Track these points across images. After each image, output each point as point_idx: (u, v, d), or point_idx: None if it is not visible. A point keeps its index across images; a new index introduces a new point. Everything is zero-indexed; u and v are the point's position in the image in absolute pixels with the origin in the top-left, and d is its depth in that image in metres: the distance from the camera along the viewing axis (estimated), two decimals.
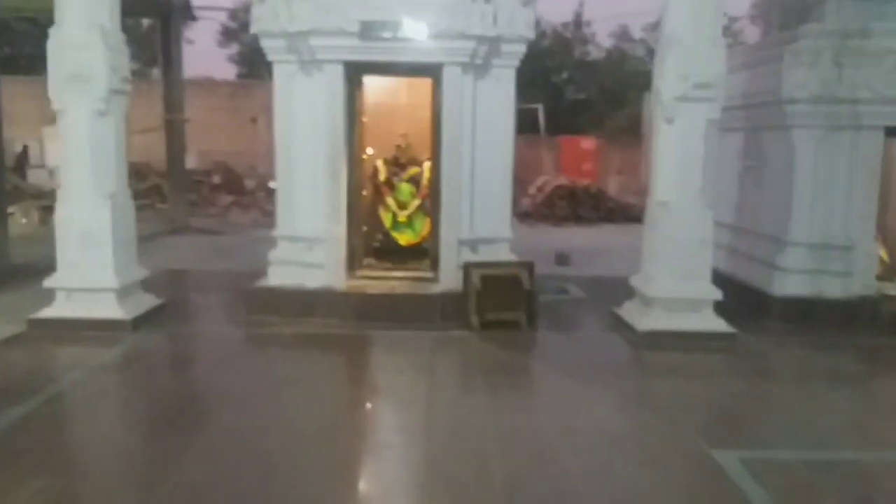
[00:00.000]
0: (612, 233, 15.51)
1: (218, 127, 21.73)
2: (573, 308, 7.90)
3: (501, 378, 5.70)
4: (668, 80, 6.28)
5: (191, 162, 19.46)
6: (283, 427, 4.54)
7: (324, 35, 6.64)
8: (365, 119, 7.49)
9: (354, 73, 7.03)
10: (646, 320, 6.48)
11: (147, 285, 7.16)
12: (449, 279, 7.01)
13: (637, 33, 25.23)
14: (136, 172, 19.47)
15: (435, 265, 7.23)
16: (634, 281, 6.89)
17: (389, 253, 8.14)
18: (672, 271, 6.46)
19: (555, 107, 23.97)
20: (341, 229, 7.02)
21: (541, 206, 18.47)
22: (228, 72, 31.18)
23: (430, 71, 6.99)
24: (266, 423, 4.59)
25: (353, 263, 7.30)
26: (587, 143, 22.94)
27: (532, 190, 19.00)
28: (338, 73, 6.84)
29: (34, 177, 18.50)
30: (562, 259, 10.59)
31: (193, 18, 16.51)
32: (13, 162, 18.84)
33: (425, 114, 7.81)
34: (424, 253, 7.89)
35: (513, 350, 6.34)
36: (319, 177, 6.96)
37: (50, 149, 18.83)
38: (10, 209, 13.49)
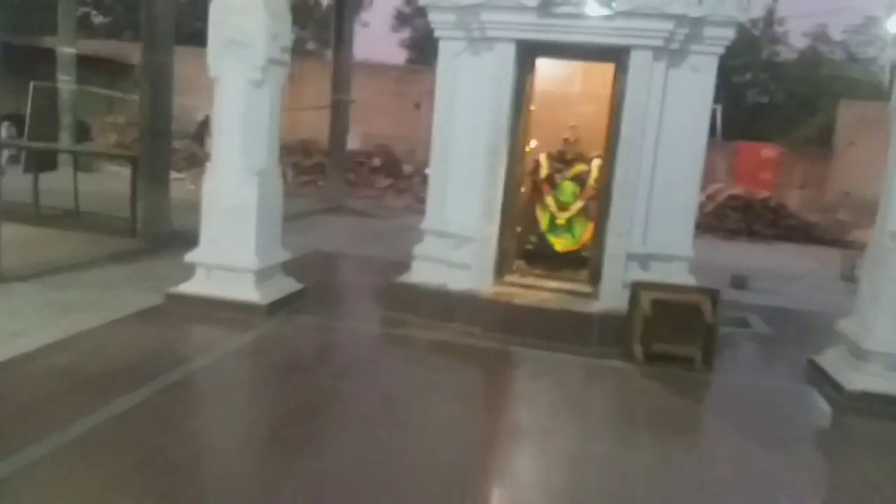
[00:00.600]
0: (793, 254, 13.60)
1: (383, 110, 21.65)
2: (757, 346, 6.57)
3: (667, 432, 4.60)
4: None
5: (354, 143, 19.46)
6: (405, 456, 3.78)
7: (498, 9, 5.78)
8: (533, 107, 6.57)
9: (527, 53, 6.13)
10: (858, 378, 5.11)
11: (291, 267, 6.70)
12: (611, 297, 5.96)
13: (836, 34, 22.38)
14: (304, 149, 19.87)
15: (595, 279, 6.20)
16: (844, 326, 5.50)
17: (543, 258, 7.20)
18: None
19: (734, 109, 21.76)
20: (493, 228, 6.17)
21: (710, 216, 16.67)
22: (399, 56, 31.36)
23: (615, 55, 5.94)
24: (388, 450, 3.85)
25: (502, 267, 6.44)
26: (768, 150, 20.60)
27: (702, 197, 17.22)
28: (509, 52, 5.97)
29: (210, 146, 19.18)
30: (738, 282, 9.15)
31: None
32: (195, 130, 19.74)
33: (599, 105, 6.79)
34: (582, 262, 6.89)
35: (683, 394, 5.21)
36: (476, 168, 6.14)
37: None
38: (181, 174, 13.97)
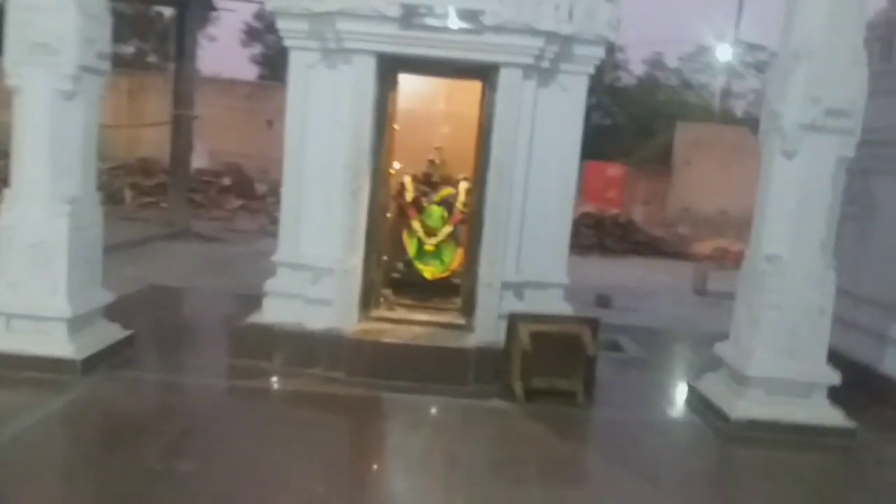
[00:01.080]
0: (645, 268, 13.95)
1: (233, 127, 20.32)
2: (633, 372, 6.30)
3: (556, 484, 4.12)
4: (794, 104, 4.74)
5: (201, 161, 18.02)
6: None
7: (356, 18, 5.13)
8: (396, 127, 5.97)
9: (389, 69, 5.52)
10: (741, 404, 4.90)
11: (118, 309, 5.61)
12: (487, 331, 5.45)
13: (672, 62, 23.85)
14: (143, 168, 18.14)
15: (469, 310, 5.67)
16: (723, 350, 5.32)
17: (411, 287, 6.59)
18: (778, 345, 4.90)
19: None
20: (357, 259, 5.48)
21: None
22: (250, 73, 29.84)
23: (483, 73, 5.48)
24: None
25: (368, 301, 5.75)
26: (613, 169, 21.44)
27: None
28: (369, 66, 5.33)
29: None
30: (603, 301, 9.03)
31: (213, 9, 15.10)
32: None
33: (464, 125, 6.32)
34: (453, 289, 6.35)
35: (569, 436, 4.76)
36: (335, 192, 5.44)
37: None
38: None
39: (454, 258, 6.67)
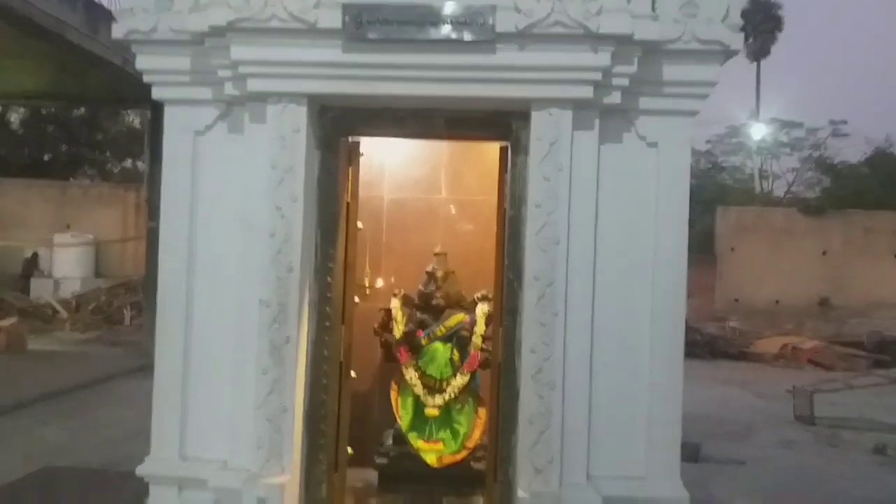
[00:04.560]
0: (715, 379, 10.85)
1: None
2: None
3: None
4: None
5: None
6: None
7: (265, 36, 2.69)
8: (359, 225, 3.42)
9: (336, 125, 3.02)
10: None
11: None
12: None
13: (699, 144, 21.48)
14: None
15: None
16: None
17: (408, 479, 3.85)
18: None
19: None
20: (285, 474, 2.79)
21: None
22: None
23: (502, 124, 2.94)
24: None
25: None
26: None
27: None
28: (297, 122, 2.83)
29: (37, 287, 15.13)
30: (691, 452, 6.04)
31: None
32: (21, 268, 15.61)
33: (482, 215, 3.79)
34: (475, 480, 3.60)
35: None
36: (246, 351, 2.82)
37: (58, 258, 15.53)
38: None
39: (474, 428, 3.92)
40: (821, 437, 7.07)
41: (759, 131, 20.00)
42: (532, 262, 2.78)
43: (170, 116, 2.97)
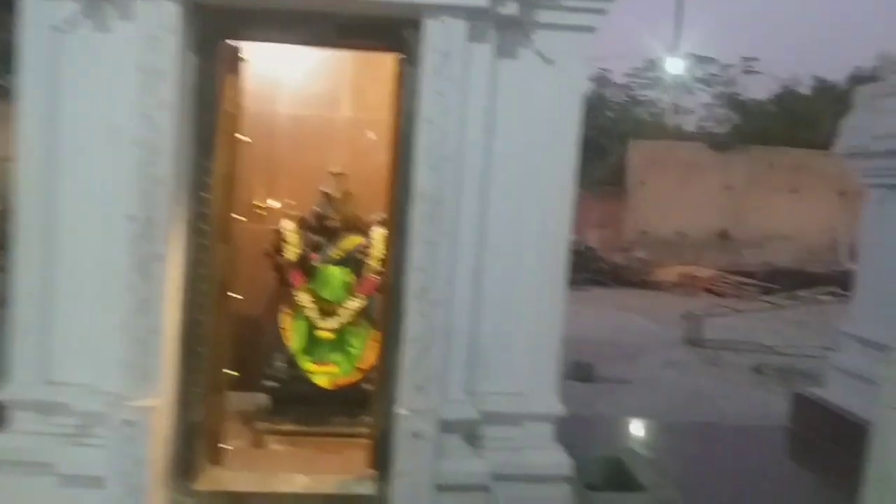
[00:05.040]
0: (615, 305, 11.39)
1: None
2: None
3: None
4: None
5: None
6: None
7: None
8: (246, 138, 3.23)
9: (214, 28, 2.78)
10: None
11: None
12: None
13: (618, 78, 21.67)
14: None
15: (382, 469, 2.93)
16: None
17: (300, 403, 3.82)
18: None
19: None
20: (154, 396, 2.68)
21: None
22: None
23: (394, 33, 2.79)
24: None
25: (192, 464, 2.96)
26: None
27: None
28: (168, 20, 2.58)
29: None
30: (583, 372, 6.35)
31: None
32: None
33: (384, 138, 3.65)
34: (365, 403, 3.62)
35: None
36: (112, 267, 2.65)
37: None
38: None
39: (367, 350, 3.91)
40: (706, 358, 7.57)
41: (675, 66, 20.36)
42: (421, 179, 2.70)
43: (26, 11, 2.64)
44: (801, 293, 9.41)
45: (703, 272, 14.72)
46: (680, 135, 19.68)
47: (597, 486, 4.20)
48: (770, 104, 19.19)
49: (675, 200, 17.90)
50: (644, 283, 14.70)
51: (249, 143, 3.36)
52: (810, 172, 16.88)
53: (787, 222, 17.01)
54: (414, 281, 2.71)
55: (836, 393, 4.53)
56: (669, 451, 4.54)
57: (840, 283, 10.42)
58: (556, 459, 2.85)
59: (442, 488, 2.70)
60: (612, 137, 20.55)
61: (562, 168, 2.85)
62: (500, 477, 2.79)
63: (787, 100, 18.83)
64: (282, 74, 4.36)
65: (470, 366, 2.80)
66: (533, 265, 2.84)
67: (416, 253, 2.71)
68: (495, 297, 2.82)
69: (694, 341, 8.14)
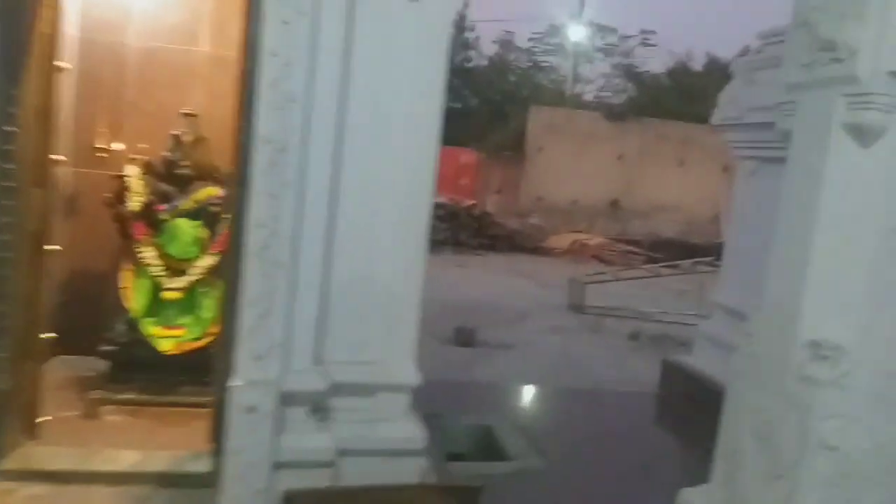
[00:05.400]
0: (507, 271, 11.47)
1: None
2: None
3: None
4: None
5: None
6: None
7: None
8: (65, 64, 2.77)
9: None
10: None
11: None
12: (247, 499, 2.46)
13: (522, 42, 21.66)
14: None
15: (218, 445, 2.65)
16: None
17: (137, 371, 3.46)
18: None
19: None
20: None
21: None
22: None
23: None
24: None
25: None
26: (466, 156, 18.93)
27: None
28: None
29: None
30: (464, 337, 6.28)
31: None
32: None
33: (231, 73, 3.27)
34: (205, 372, 3.31)
35: None
36: None
37: None
38: None
39: (216, 314, 3.57)
40: (587, 324, 7.69)
41: (576, 33, 20.55)
42: (263, 121, 2.39)
43: None
44: (683, 263, 9.77)
45: (593, 240, 15.11)
46: (579, 103, 19.99)
47: (466, 455, 4.13)
48: (664, 78, 19.79)
49: (570, 168, 18.23)
50: (538, 250, 14.93)
51: (67, 68, 2.90)
52: (697, 146, 17.59)
53: (674, 194, 17.74)
54: (254, 238, 2.41)
55: (702, 360, 4.63)
56: (541, 418, 4.52)
57: (719, 254, 10.92)
58: (410, 432, 2.67)
59: (281, 465, 2.46)
60: (514, 102, 20.60)
61: (427, 115, 2.61)
62: (348, 452, 2.59)
63: (679, 74, 19.48)
64: (133, 2, 3.89)
65: (318, 333, 2.56)
66: (392, 223, 2.61)
67: (257, 206, 2.40)
68: (348, 257, 2.58)
69: (576, 307, 8.27)
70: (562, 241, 15.26)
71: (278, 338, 2.43)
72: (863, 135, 2.14)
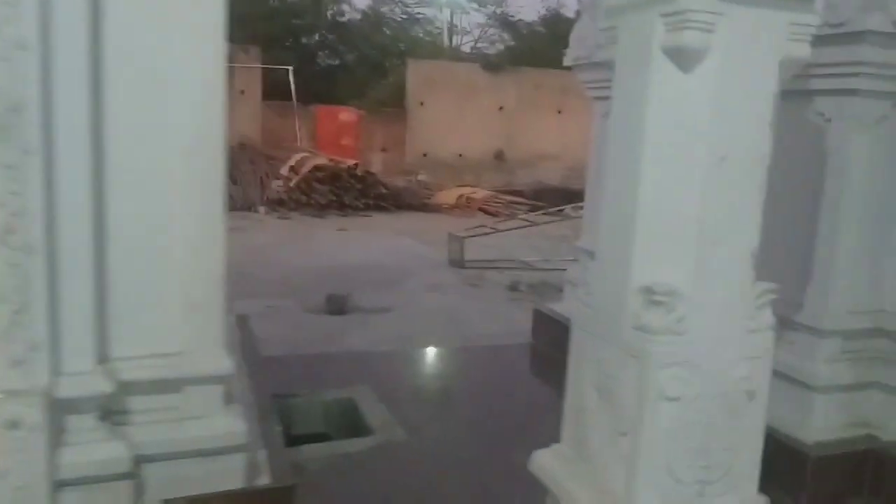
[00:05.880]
0: (392, 230, 11.18)
1: None
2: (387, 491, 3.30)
3: None
4: None
5: None
6: None
7: None
8: None
9: None
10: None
11: None
12: None
13: None
14: None
15: None
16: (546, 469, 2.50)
17: None
18: (675, 479, 2.20)
19: (308, 72, 18.86)
20: None
21: (296, 191, 13.57)
22: None
23: None
24: None
25: None
26: (347, 114, 18.26)
27: (285, 170, 13.95)
28: None
29: None
30: (336, 304, 5.95)
31: None
32: None
33: None
34: None
35: None
36: None
37: None
38: None
39: None
40: (467, 279, 7.55)
41: None
42: None
43: None
44: (565, 209, 9.82)
45: (479, 193, 15.05)
46: (457, 55, 19.71)
47: (327, 433, 3.84)
48: (538, 25, 19.80)
49: (453, 122, 18.03)
50: (425, 207, 14.72)
51: None
52: (574, 93, 17.78)
53: (555, 142, 17.95)
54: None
55: (569, 306, 4.54)
56: (410, 384, 4.30)
57: None
58: (229, 426, 2.33)
59: (65, 484, 2.07)
60: (393, 56, 20.04)
61: (212, 62, 2.19)
62: (154, 457, 2.22)
63: (552, 21, 19.54)
64: None
65: (99, 327, 2.14)
66: (178, 187, 2.20)
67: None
68: (128, 234, 2.16)
69: (457, 263, 8.12)
70: (448, 196, 15.11)
71: (42, 337, 2.01)
72: (683, 58, 1.94)
